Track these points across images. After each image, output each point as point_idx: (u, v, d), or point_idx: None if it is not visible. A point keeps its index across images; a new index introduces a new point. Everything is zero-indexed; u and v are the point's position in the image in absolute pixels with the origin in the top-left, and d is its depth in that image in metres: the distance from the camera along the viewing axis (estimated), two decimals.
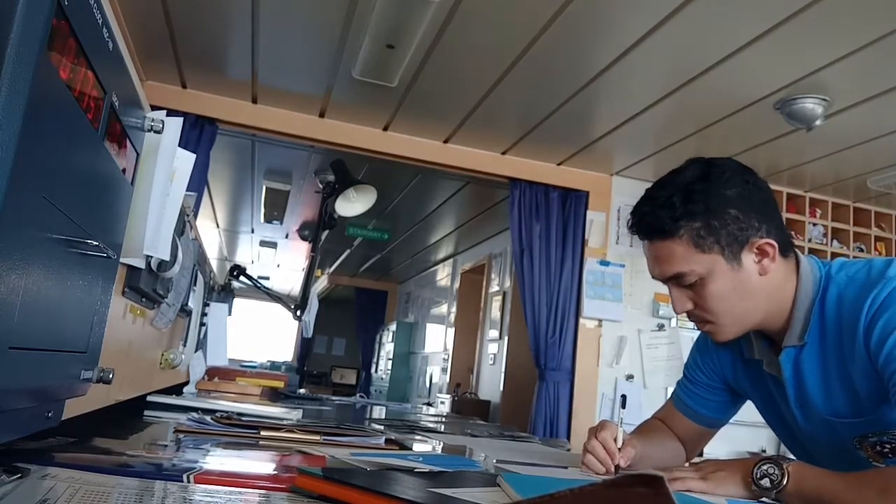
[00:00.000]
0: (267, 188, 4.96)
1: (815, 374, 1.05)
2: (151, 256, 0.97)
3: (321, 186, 3.75)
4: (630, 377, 3.71)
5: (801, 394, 1.08)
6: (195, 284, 1.80)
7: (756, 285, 1.04)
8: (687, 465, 1.05)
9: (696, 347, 1.33)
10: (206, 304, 2.27)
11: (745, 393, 1.26)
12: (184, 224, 1.25)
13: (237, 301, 3.24)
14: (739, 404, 1.31)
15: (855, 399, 1.01)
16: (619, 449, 1.09)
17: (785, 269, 1.06)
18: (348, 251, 7.30)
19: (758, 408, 1.26)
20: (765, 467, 0.93)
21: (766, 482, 0.92)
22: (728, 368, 1.26)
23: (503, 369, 4.90)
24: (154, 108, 0.90)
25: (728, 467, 0.98)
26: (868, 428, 1.00)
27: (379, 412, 2.41)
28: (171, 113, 0.86)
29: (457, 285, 6.44)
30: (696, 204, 1.01)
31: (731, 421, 1.35)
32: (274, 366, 7.97)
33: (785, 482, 0.91)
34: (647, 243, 1.07)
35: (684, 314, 1.09)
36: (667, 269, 1.05)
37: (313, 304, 3.24)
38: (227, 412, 1.38)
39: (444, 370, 6.34)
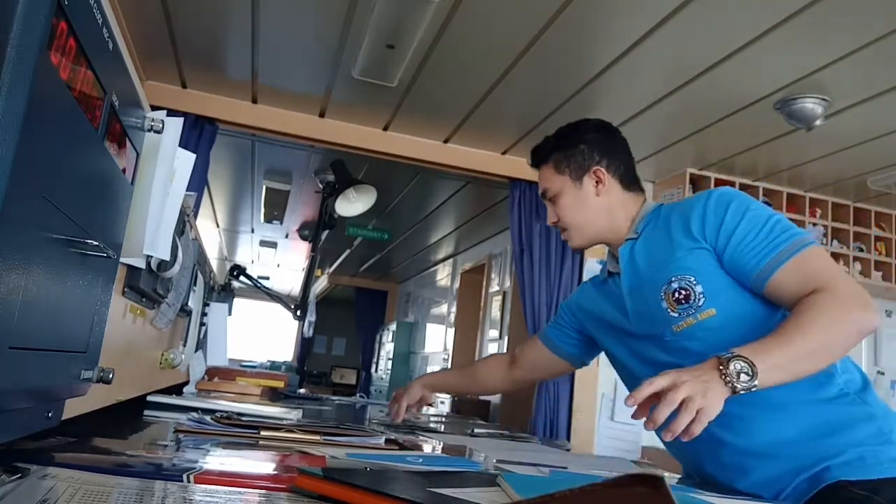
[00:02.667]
0: (267, 188, 4.96)
1: (642, 255, 1.34)
2: (151, 256, 0.97)
3: (321, 186, 3.75)
4: None
5: (633, 275, 1.34)
6: (195, 284, 1.80)
7: (593, 203, 1.42)
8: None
9: (575, 295, 1.65)
10: (206, 304, 2.27)
11: (598, 327, 1.51)
12: (184, 224, 1.25)
13: (237, 301, 3.24)
14: (594, 351, 1.64)
15: (671, 256, 1.26)
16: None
17: (626, 197, 1.43)
18: (348, 251, 7.30)
19: (605, 340, 1.49)
20: (734, 365, 1.00)
21: (744, 378, 1.00)
22: (589, 312, 1.55)
23: None
24: (154, 108, 0.90)
25: (701, 380, 1.00)
26: (673, 272, 1.23)
27: (379, 412, 2.41)
28: (171, 113, 0.86)
29: (457, 285, 6.44)
30: (561, 142, 1.46)
31: None
32: (274, 366, 7.97)
33: (755, 367, 1.00)
34: (537, 172, 1.50)
35: (553, 225, 1.48)
36: (540, 188, 1.49)
37: (313, 306, 3.24)
38: (227, 412, 1.38)
39: (444, 370, 6.33)
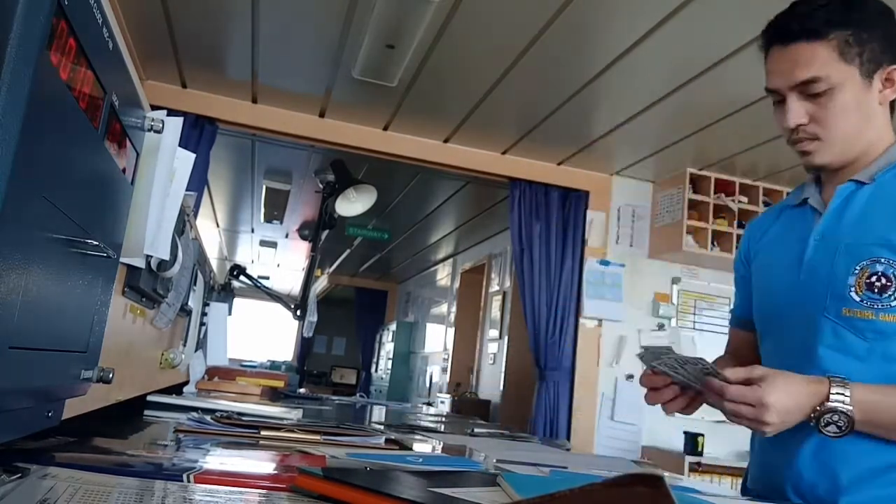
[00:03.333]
0: (267, 188, 4.97)
1: (860, 207, 1.07)
2: (151, 256, 0.97)
3: (321, 186, 3.74)
4: (630, 377, 3.71)
5: (833, 223, 1.09)
6: (195, 284, 1.80)
7: (874, 110, 1.07)
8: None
9: (742, 241, 1.34)
10: (206, 304, 2.27)
11: (757, 257, 1.25)
12: (184, 224, 1.25)
13: (237, 301, 3.24)
14: None
15: (886, 232, 1.03)
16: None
17: (890, 121, 1.10)
18: (348, 251, 7.30)
19: (758, 272, 1.24)
20: (829, 416, 0.93)
21: (831, 429, 0.94)
22: (754, 242, 1.28)
23: (503, 369, 4.91)
24: (154, 107, 0.90)
25: (786, 417, 0.94)
26: (886, 252, 1.00)
27: (379, 412, 2.41)
28: (171, 113, 0.86)
29: (457, 285, 6.44)
30: (853, 13, 1.03)
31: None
32: (274, 365, 7.97)
33: (852, 424, 0.93)
34: (780, 49, 1.07)
35: (792, 130, 1.09)
36: (802, 72, 1.04)
37: (314, 305, 3.24)
38: (227, 412, 1.38)
39: (444, 370, 6.34)
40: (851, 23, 1.03)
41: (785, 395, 0.94)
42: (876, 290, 1.00)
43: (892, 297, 0.99)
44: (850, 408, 0.92)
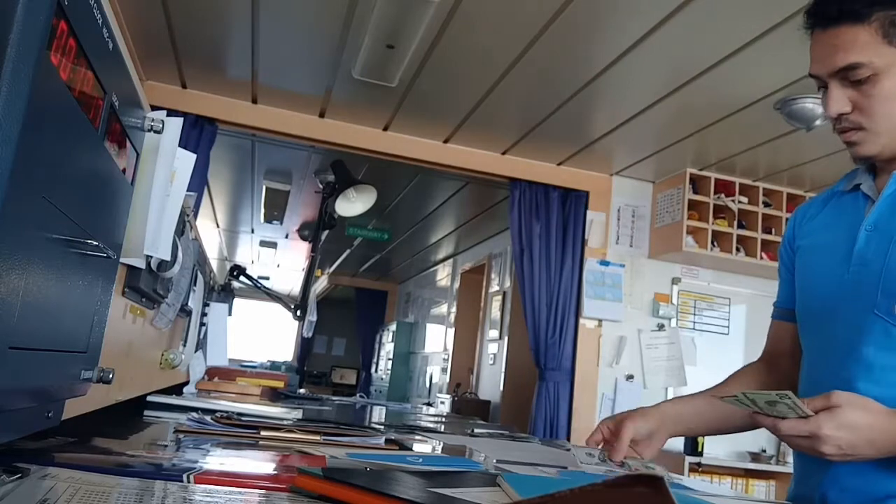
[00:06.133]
0: (267, 188, 4.97)
1: None
2: (151, 256, 0.97)
3: (321, 186, 3.75)
4: (630, 377, 3.71)
5: (887, 212, 1.02)
6: (195, 284, 1.80)
7: None
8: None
9: (787, 229, 1.27)
10: (206, 304, 2.27)
11: (802, 245, 1.18)
12: (184, 224, 1.25)
13: (237, 301, 3.24)
14: None
15: None
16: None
17: None
18: (348, 251, 7.30)
19: (803, 261, 1.17)
20: None
21: None
22: (799, 227, 1.21)
23: (503, 369, 4.91)
24: (154, 108, 0.90)
25: (849, 447, 0.87)
26: None
27: (379, 412, 2.41)
28: (171, 113, 0.86)
29: (457, 285, 6.44)
30: None
31: None
32: (274, 366, 7.96)
33: None
34: (820, 32, 0.99)
35: (835, 119, 1.02)
36: (842, 58, 0.96)
37: (314, 305, 3.24)
38: (227, 412, 1.38)
39: (444, 370, 6.34)
40: (893, 2, 0.94)
41: (847, 430, 0.86)
42: None
43: None
44: None
